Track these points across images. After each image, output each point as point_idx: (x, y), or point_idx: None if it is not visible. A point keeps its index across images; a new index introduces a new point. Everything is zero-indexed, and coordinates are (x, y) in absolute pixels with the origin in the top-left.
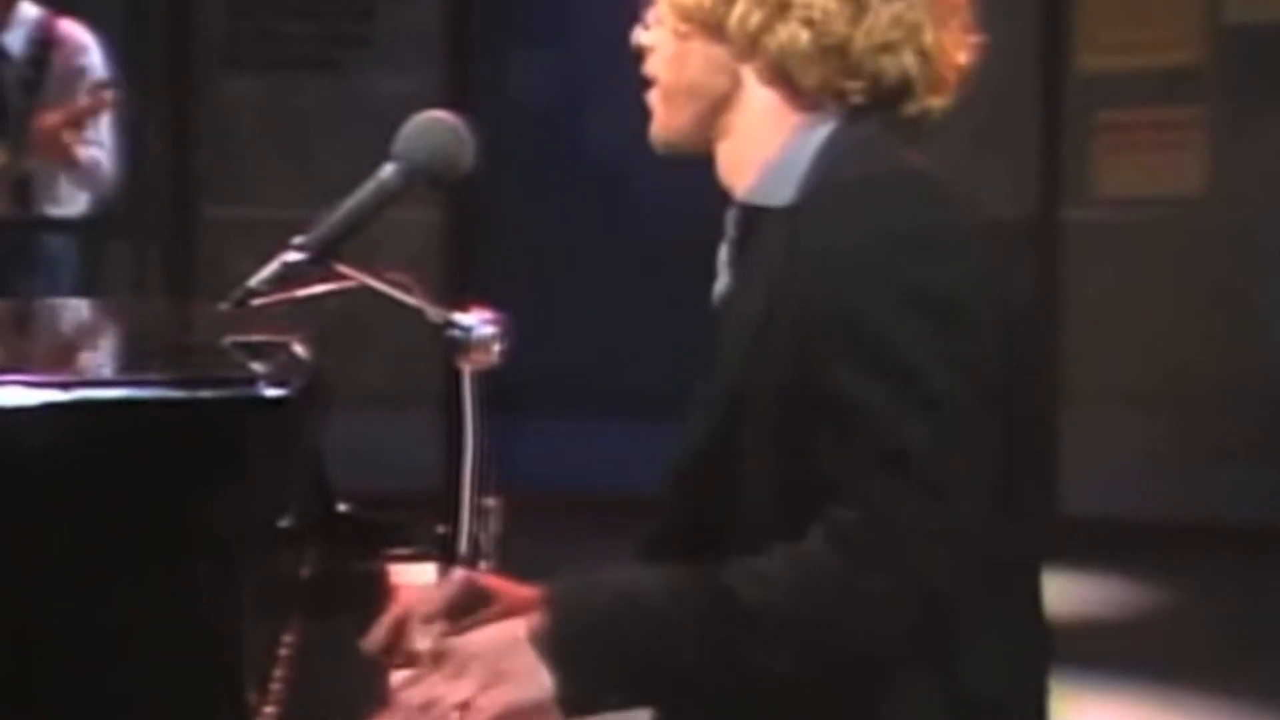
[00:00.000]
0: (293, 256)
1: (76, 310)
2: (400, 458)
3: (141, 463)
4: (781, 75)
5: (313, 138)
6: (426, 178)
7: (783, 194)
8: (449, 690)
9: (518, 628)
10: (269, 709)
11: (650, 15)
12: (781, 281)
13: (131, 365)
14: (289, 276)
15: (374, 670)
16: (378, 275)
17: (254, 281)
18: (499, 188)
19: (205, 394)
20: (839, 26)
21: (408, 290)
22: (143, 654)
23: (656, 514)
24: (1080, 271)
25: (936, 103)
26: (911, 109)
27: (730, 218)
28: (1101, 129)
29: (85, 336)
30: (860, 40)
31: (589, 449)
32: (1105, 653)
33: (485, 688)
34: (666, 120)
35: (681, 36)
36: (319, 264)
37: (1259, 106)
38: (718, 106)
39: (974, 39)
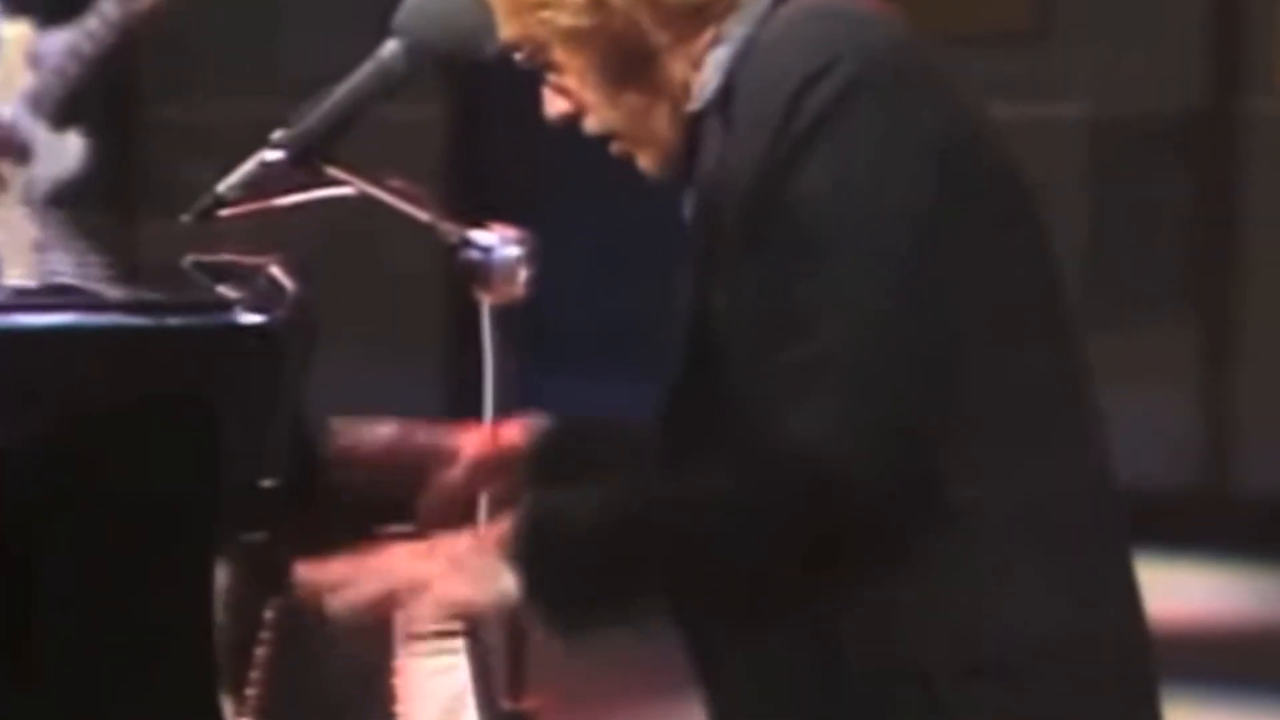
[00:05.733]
0: (271, 155)
1: (5, 226)
2: (399, 406)
3: (91, 403)
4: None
5: (278, 19)
6: (437, 58)
7: (712, 85)
8: (409, 566)
9: (491, 532)
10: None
11: (553, 88)
12: (718, 174)
13: (78, 287)
14: (266, 181)
15: (361, 666)
16: (378, 181)
17: (223, 187)
18: (515, 76)
19: (172, 322)
20: None
21: (416, 201)
22: (101, 627)
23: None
24: (1261, 174)
25: None
26: None
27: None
28: None
29: (17, 255)
30: None
31: (624, 398)
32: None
33: (444, 577)
34: (658, 156)
35: (608, 82)
36: (304, 165)
37: None
38: (676, 99)
39: None
